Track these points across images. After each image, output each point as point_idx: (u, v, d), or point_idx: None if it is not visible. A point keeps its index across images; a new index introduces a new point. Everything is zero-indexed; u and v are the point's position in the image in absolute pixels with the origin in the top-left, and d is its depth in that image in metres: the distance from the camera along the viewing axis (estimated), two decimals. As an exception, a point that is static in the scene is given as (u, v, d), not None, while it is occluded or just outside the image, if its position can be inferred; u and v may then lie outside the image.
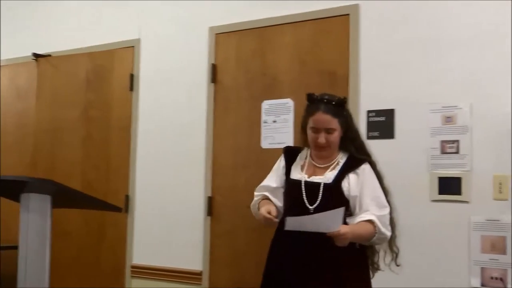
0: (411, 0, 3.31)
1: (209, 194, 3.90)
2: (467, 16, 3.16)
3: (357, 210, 2.65)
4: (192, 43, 4.11)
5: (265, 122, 3.72)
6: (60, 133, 4.64)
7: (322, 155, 2.76)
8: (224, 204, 3.83)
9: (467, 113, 3.09)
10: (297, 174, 2.78)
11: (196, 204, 3.95)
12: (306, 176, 2.73)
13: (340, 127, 2.72)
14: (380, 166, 3.18)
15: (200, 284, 3.88)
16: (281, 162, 2.90)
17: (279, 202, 2.82)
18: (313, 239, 2.52)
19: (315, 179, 2.70)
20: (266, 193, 2.87)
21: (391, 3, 3.38)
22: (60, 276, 4.17)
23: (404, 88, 3.30)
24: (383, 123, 3.33)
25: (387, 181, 3.14)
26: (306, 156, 2.84)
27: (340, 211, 2.46)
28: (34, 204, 2.66)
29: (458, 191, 3.09)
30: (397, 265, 2.79)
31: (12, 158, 4.92)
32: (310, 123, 2.73)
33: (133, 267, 4.18)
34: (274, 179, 2.88)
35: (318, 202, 2.63)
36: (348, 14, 3.49)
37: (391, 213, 2.70)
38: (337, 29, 3.53)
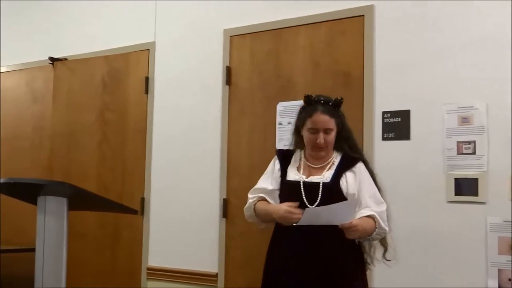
0: (426, 0, 3.30)
1: (224, 196, 3.91)
2: (483, 16, 3.13)
3: (356, 207, 2.71)
4: (207, 46, 4.11)
5: (280, 124, 3.71)
6: (76, 136, 4.66)
7: (320, 155, 2.81)
8: (239, 206, 3.81)
9: (483, 114, 3.07)
10: (294, 175, 2.82)
11: (211, 206, 3.95)
12: (304, 176, 2.77)
13: (336, 127, 2.80)
14: (396, 168, 3.21)
15: (215, 286, 3.87)
16: (275, 165, 2.93)
17: (276, 203, 2.84)
18: (313, 237, 2.63)
19: (314, 179, 2.75)
20: (263, 195, 2.89)
21: (406, 4, 3.36)
22: (76, 278, 4.18)
23: (419, 89, 3.28)
24: (399, 124, 3.31)
25: (403, 183, 3.18)
26: (300, 158, 2.89)
27: (354, 203, 2.61)
28: (51, 206, 2.69)
29: (474, 192, 3.06)
30: (388, 260, 2.84)
31: (29, 161, 4.96)
32: (308, 125, 2.79)
33: (148, 269, 4.19)
34: (269, 181, 2.91)
35: (318, 201, 2.66)
36: (363, 15, 3.48)
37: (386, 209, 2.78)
38: (352, 30, 3.53)
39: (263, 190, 2.90)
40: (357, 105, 3.42)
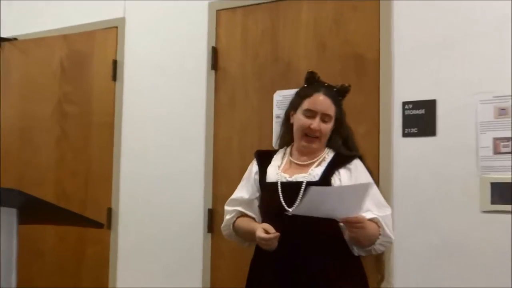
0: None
1: (210, 206, 3.86)
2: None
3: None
4: (188, 22, 4.06)
5: (278, 117, 3.63)
6: (29, 133, 4.63)
7: (310, 148, 2.78)
8: (227, 218, 3.77)
9: (525, 104, 2.97)
10: (275, 175, 2.79)
11: (194, 218, 3.89)
12: (286, 176, 2.75)
13: (334, 118, 2.80)
14: (419, 170, 3.25)
15: (198, 311, 3.76)
16: (253, 168, 2.95)
17: (256, 215, 2.87)
18: (298, 264, 2.60)
19: (298, 177, 2.71)
20: (240, 208, 2.90)
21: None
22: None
23: (447, 75, 3.21)
24: (423, 117, 3.26)
25: (428, 188, 3.25)
26: (285, 155, 2.90)
27: (368, 185, 2.49)
28: (-3, 219, 2.60)
29: (515, 200, 2.95)
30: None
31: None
32: (305, 105, 2.77)
33: (117, 291, 4.06)
34: (246, 189, 2.92)
35: (297, 203, 2.60)
36: (378, -14, 3.40)
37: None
38: (364, 4, 3.47)
39: (240, 201, 2.91)
40: (372, 94, 3.40)
